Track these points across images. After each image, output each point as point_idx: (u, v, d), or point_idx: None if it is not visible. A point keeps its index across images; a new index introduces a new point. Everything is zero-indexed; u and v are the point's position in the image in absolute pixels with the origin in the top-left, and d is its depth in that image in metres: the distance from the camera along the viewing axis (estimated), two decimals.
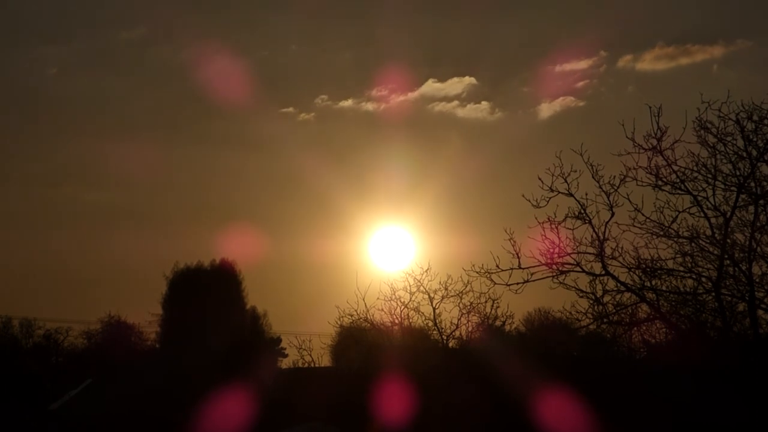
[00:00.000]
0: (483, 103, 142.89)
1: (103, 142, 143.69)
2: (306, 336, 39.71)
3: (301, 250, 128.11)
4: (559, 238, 28.39)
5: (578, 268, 28.52)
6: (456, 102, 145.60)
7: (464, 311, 36.60)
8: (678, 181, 27.89)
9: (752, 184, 27.62)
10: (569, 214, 28.42)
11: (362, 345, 39.03)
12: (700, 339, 28.28)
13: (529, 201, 28.56)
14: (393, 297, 37.04)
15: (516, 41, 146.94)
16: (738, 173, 27.61)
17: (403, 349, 37.42)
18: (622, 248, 28.34)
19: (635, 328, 29.43)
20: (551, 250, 28.44)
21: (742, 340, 28.19)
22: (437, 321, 36.81)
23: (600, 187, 28.19)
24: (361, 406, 36.69)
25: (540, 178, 28.51)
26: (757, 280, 27.60)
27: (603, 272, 28.38)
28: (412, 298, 36.97)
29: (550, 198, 28.54)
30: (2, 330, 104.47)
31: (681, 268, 28.31)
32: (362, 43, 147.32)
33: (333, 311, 37.73)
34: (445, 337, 36.99)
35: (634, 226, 28.17)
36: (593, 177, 28.17)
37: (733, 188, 27.70)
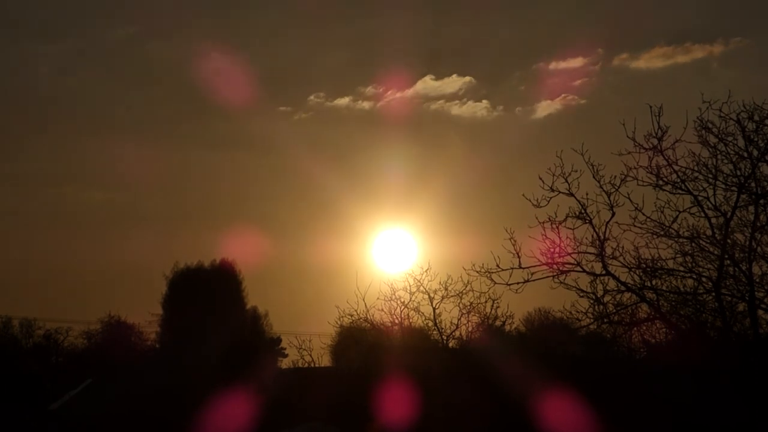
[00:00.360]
0: (481, 101, 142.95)
1: (103, 142, 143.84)
2: (306, 336, 39.74)
3: (302, 251, 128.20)
4: (559, 238, 28.38)
5: (578, 268, 28.51)
6: (454, 100, 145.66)
7: (464, 311, 36.61)
8: (679, 180, 27.89)
9: (753, 184, 27.62)
10: (570, 214, 28.43)
11: (362, 345, 39.04)
12: (700, 339, 28.27)
13: (530, 201, 28.58)
14: (393, 297, 37.07)
15: (514, 40, 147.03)
16: (739, 173, 27.60)
17: (403, 349, 37.42)
18: (622, 248, 28.35)
19: (635, 328, 29.41)
20: (552, 250, 28.43)
21: (742, 340, 28.19)
22: (437, 321, 36.82)
23: (600, 187, 28.20)
24: (361, 406, 36.69)
25: (540, 178, 28.53)
26: (758, 280, 27.59)
27: (603, 272, 28.37)
28: (412, 298, 37.00)
29: (550, 198, 28.56)
30: (2, 330, 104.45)
31: (681, 268, 28.30)
32: (359, 41, 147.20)
33: (333, 311, 37.76)
34: (445, 337, 36.99)
35: (635, 225, 28.18)
36: (594, 177, 28.19)
37: (733, 188, 27.70)
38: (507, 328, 37.85)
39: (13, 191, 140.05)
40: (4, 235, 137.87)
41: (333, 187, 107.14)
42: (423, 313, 37.04)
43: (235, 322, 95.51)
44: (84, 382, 71.45)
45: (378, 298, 36.93)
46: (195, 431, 51.82)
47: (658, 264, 28.33)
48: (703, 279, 28.11)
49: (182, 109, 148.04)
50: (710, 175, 27.74)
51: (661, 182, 27.97)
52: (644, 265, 28.33)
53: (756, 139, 27.55)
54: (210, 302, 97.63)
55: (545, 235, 28.46)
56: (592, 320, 28.75)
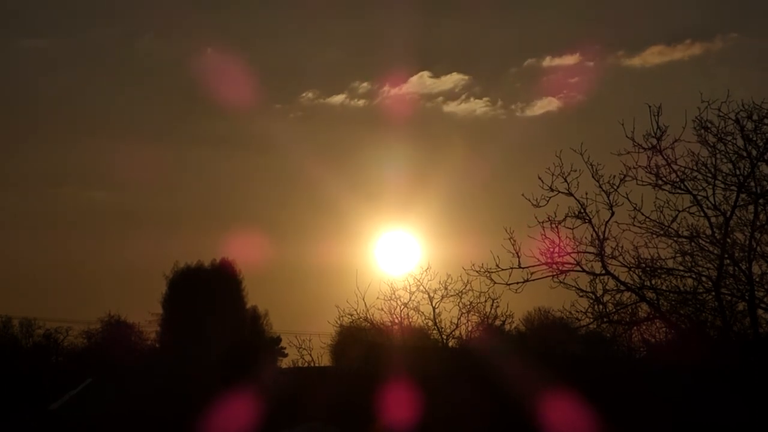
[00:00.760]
0: (479, 99, 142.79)
1: (102, 142, 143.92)
2: (306, 335, 39.72)
3: (302, 252, 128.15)
4: (559, 238, 28.37)
5: (578, 268, 28.50)
6: (451, 98, 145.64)
7: (464, 311, 36.60)
8: (678, 180, 27.88)
9: (752, 184, 27.62)
10: (569, 214, 28.41)
11: (362, 345, 39.03)
12: (700, 338, 28.28)
13: (529, 200, 28.56)
14: (393, 296, 37.06)
15: (511, 37, 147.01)
16: (738, 173, 27.60)
17: (402, 348, 37.41)
18: (622, 247, 28.35)
19: (635, 328, 29.42)
20: (551, 250, 28.42)
21: (742, 340, 28.19)
22: (437, 320, 36.81)
23: (600, 187, 28.19)
24: (361, 406, 36.68)
25: (540, 178, 28.51)
26: (757, 280, 27.59)
27: (603, 272, 28.36)
28: (412, 298, 36.98)
29: (550, 197, 28.54)
30: (2, 330, 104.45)
31: (681, 268, 28.29)
32: (356, 39, 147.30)
33: (333, 311, 37.74)
34: (444, 337, 36.98)
35: (634, 225, 28.17)
36: (593, 176, 28.17)
37: (733, 188, 27.70)
38: (507, 327, 37.86)
39: (12, 191, 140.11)
40: (4, 235, 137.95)
41: (332, 187, 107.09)
42: (423, 313, 37.04)
43: (235, 322, 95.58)
44: (84, 382, 71.46)
45: (378, 298, 36.94)
46: (195, 431, 51.83)
47: (658, 263, 28.33)
48: (703, 278, 28.11)
49: (181, 108, 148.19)
50: (709, 175, 27.74)
51: (660, 182, 27.98)
52: (644, 265, 28.33)
53: (755, 139, 27.55)
54: (210, 302, 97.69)
55: (545, 235, 28.47)
56: (591, 320, 28.74)
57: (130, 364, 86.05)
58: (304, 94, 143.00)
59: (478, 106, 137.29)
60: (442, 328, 36.87)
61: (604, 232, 28.28)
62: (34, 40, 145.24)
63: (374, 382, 36.09)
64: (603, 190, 28.14)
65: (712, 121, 27.61)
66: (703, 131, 27.71)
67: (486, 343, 36.41)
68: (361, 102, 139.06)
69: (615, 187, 27.99)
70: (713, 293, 27.91)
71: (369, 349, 38.47)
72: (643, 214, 28.09)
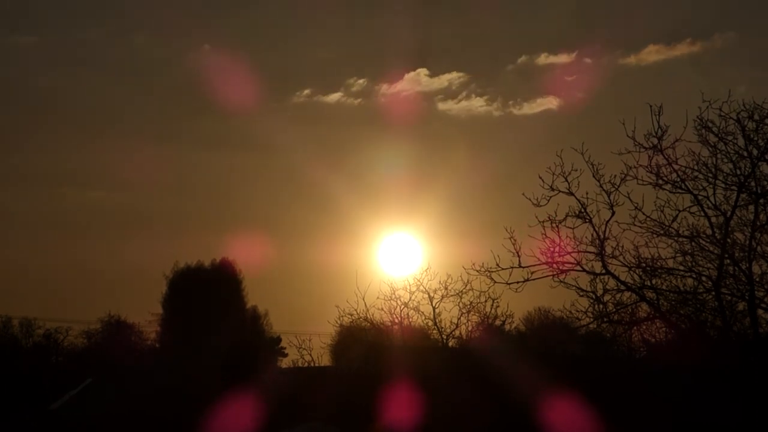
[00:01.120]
0: (477, 98, 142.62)
1: (103, 142, 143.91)
2: (306, 335, 39.70)
3: (303, 252, 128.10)
4: (559, 237, 28.35)
5: (578, 267, 28.48)
6: (450, 97, 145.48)
7: (464, 310, 36.59)
8: (678, 180, 27.87)
9: (753, 184, 27.61)
10: (570, 213, 28.40)
11: (362, 345, 39.01)
12: (700, 338, 28.26)
13: (530, 200, 28.54)
14: (393, 296, 37.04)
15: (508, 36, 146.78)
16: (739, 172, 27.60)
17: (402, 348, 37.39)
18: (622, 247, 28.34)
19: (635, 328, 29.41)
20: (551, 249, 28.41)
21: (742, 340, 28.17)
22: (437, 320, 36.80)
23: (600, 186, 28.17)
24: (361, 405, 36.67)
25: (540, 177, 28.50)
26: (757, 280, 27.58)
27: (603, 271, 28.34)
28: (412, 298, 36.97)
29: (550, 197, 28.52)
30: (2, 330, 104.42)
31: (681, 267, 28.29)
32: (352, 37, 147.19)
33: (333, 312, 37.73)
34: (445, 337, 36.97)
35: (635, 225, 28.16)
36: (594, 176, 28.16)
37: (733, 187, 27.69)
38: (507, 327, 37.85)
39: (12, 191, 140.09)
40: (4, 235, 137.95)
41: (331, 186, 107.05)
42: (423, 313, 37.04)
43: (235, 322, 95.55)
44: (84, 382, 71.44)
45: (378, 298, 36.93)
46: (195, 431, 51.80)
47: (658, 263, 28.32)
48: (703, 278, 28.10)
49: (180, 108, 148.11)
50: (710, 175, 27.73)
51: (660, 181, 27.97)
52: (644, 265, 28.32)
53: (756, 138, 27.55)
54: (210, 302, 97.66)
55: (545, 235, 28.45)
56: (591, 319, 28.73)
57: (130, 364, 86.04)
58: (300, 93, 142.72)
59: (476, 105, 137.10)
60: (442, 328, 36.87)
61: (605, 231, 28.28)
62: (29, 38, 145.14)
63: (374, 382, 36.08)
64: (603, 190, 28.14)
65: (713, 120, 27.65)
66: (704, 131, 27.73)
67: (486, 343, 36.40)
68: (358, 100, 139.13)
69: (616, 187, 28.00)
70: (713, 293, 27.90)
71: (369, 349, 38.46)
72: (643, 214, 28.11)
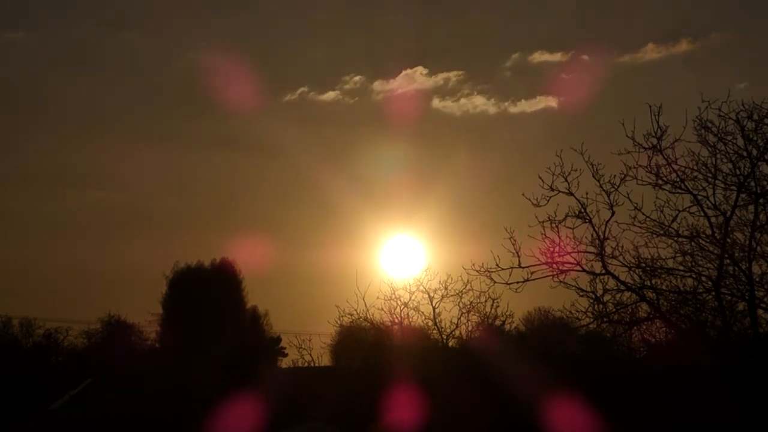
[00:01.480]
0: (475, 97, 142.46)
1: (103, 143, 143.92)
2: (306, 336, 39.69)
3: (302, 253, 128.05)
4: (559, 237, 28.35)
5: (578, 267, 28.48)
6: (448, 96, 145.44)
7: (464, 310, 36.60)
8: (678, 180, 27.87)
9: (752, 184, 27.61)
10: (569, 213, 28.39)
11: (362, 345, 39.01)
12: (700, 338, 28.26)
13: (530, 200, 28.53)
14: (393, 296, 37.05)
15: (508, 34, 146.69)
16: (738, 172, 27.60)
17: (402, 348, 37.39)
18: (622, 247, 28.34)
19: (635, 328, 29.40)
20: (551, 249, 28.40)
21: (742, 340, 28.17)
22: (437, 320, 36.81)
23: (600, 186, 28.17)
24: (361, 405, 36.68)
25: (540, 177, 28.50)
26: (757, 280, 27.58)
27: (603, 271, 28.34)
28: (412, 298, 36.98)
29: (550, 197, 28.52)
30: (2, 330, 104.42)
31: (681, 268, 28.29)
32: (349, 36, 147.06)
33: (333, 312, 37.72)
34: (444, 337, 36.98)
35: (635, 225, 28.17)
36: (593, 176, 28.16)
37: (733, 187, 27.69)
38: (507, 327, 37.86)
39: (12, 191, 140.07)
40: (4, 235, 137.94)
41: (330, 185, 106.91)
42: (423, 313, 37.05)
43: (235, 322, 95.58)
44: (84, 382, 71.45)
45: (378, 298, 36.93)
46: (195, 431, 51.81)
47: (658, 263, 28.32)
48: (703, 278, 28.10)
49: (181, 108, 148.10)
50: (710, 175, 27.73)
51: (660, 181, 27.97)
52: (644, 265, 28.32)
53: (755, 138, 27.55)
54: (210, 302, 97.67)
55: (545, 235, 28.44)
56: (591, 319, 28.72)
57: (130, 364, 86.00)
58: (299, 91, 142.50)
59: (475, 103, 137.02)
60: (442, 328, 36.88)
61: (605, 231, 28.28)
62: (26, 36, 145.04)
63: (374, 382, 36.09)
64: (603, 190, 28.14)
65: (713, 120, 27.65)
66: (703, 131, 27.73)
67: (486, 343, 36.41)
68: (356, 99, 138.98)
69: (615, 187, 28.00)
70: (713, 293, 27.90)
71: (369, 349, 38.46)
72: (643, 214, 28.11)
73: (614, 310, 28.52)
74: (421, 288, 36.75)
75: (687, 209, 27.94)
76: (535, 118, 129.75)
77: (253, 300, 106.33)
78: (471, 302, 36.32)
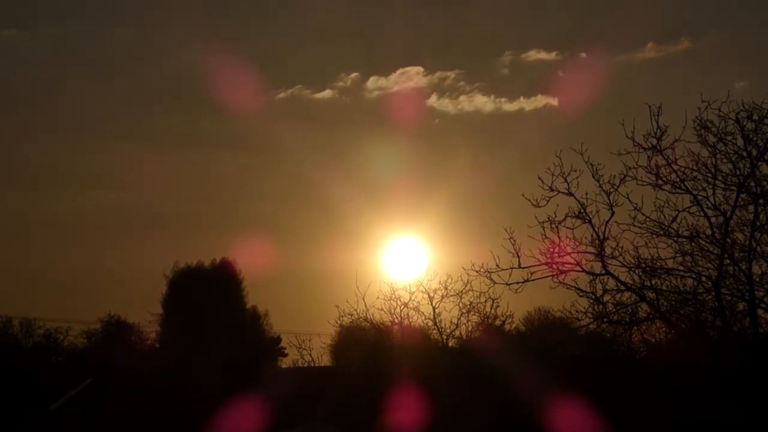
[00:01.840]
0: (472, 96, 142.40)
1: (103, 142, 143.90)
2: (306, 336, 39.70)
3: (302, 254, 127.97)
4: (559, 238, 28.35)
5: (578, 268, 28.47)
6: (445, 94, 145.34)
7: (464, 311, 36.63)
8: (678, 180, 27.87)
9: (752, 184, 27.62)
10: (569, 214, 28.39)
11: (362, 345, 39.03)
12: (700, 338, 28.26)
13: (529, 200, 28.53)
14: (393, 296, 37.07)
15: (506, 33, 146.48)
16: (738, 173, 27.60)
17: (402, 348, 37.41)
18: (622, 247, 28.34)
19: (635, 328, 29.40)
20: (551, 250, 28.40)
21: (742, 340, 28.18)
22: (437, 320, 36.83)
23: (600, 187, 28.17)
24: (361, 406, 36.70)
25: (540, 178, 28.49)
26: (757, 280, 27.59)
27: (603, 271, 28.34)
28: (412, 298, 36.99)
29: (550, 197, 28.51)
30: (2, 330, 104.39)
31: (681, 268, 28.29)
32: (346, 34, 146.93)
33: (334, 312, 37.73)
34: (444, 337, 37.01)
35: (634, 225, 28.17)
36: (593, 176, 28.16)
37: (733, 188, 27.69)
38: (507, 327, 37.89)
39: (12, 191, 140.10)
40: (5, 236, 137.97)
41: (333, 188, 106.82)
42: (423, 313, 37.07)
43: (235, 322, 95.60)
44: (84, 382, 71.45)
45: (378, 298, 36.95)
46: (195, 431, 51.82)
47: (658, 263, 28.33)
48: (703, 278, 28.11)
49: (181, 108, 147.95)
50: (709, 175, 27.73)
51: (660, 182, 27.97)
52: (644, 265, 28.32)
53: (755, 139, 27.56)
54: (210, 302, 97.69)
55: (545, 235, 28.44)
56: (591, 320, 28.73)
57: (130, 364, 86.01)
58: (294, 90, 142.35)
59: (473, 102, 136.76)
60: (442, 328, 36.92)
61: (604, 232, 28.28)
62: (23, 33, 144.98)
63: (374, 382, 36.12)
64: (603, 190, 28.15)
65: (713, 121, 27.65)
66: (703, 131, 27.73)
67: (486, 343, 36.42)
68: (352, 98, 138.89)
69: (615, 187, 28.00)
70: (713, 293, 27.91)
71: (369, 349, 38.48)
72: (643, 214, 28.11)
73: (614, 310, 28.53)
74: (421, 288, 36.79)
75: (687, 209, 27.95)
76: (534, 118, 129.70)
77: (253, 300, 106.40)
78: (471, 302, 36.37)
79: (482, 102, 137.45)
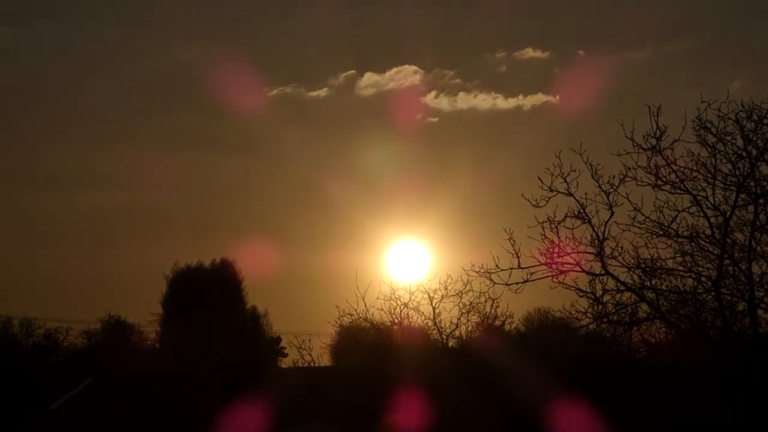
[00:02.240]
0: (470, 94, 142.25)
1: (103, 144, 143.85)
2: (306, 335, 39.74)
3: (302, 254, 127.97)
4: (558, 238, 28.35)
5: (578, 268, 28.46)
6: (443, 93, 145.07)
7: (464, 311, 36.67)
8: (677, 180, 27.87)
9: (752, 184, 27.62)
10: (569, 214, 28.39)
11: (362, 345, 39.06)
12: (700, 338, 28.27)
13: (529, 201, 28.53)
14: (393, 296, 37.09)
15: (503, 32, 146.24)
16: (738, 173, 27.61)
17: (402, 348, 37.43)
18: (621, 248, 28.34)
19: (635, 328, 29.40)
20: (551, 250, 28.40)
21: (742, 340, 28.18)
22: (437, 320, 36.86)
23: (599, 187, 28.18)
24: (360, 405, 36.72)
25: (539, 178, 28.50)
26: (757, 280, 27.59)
27: (603, 272, 28.34)
28: (412, 298, 37.02)
29: (549, 198, 28.51)
30: (2, 330, 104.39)
31: (681, 268, 28.29)
32: (343, 32, 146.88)
33: (333, 312, 37.76)
34: (444, 337, 37.04)
35: (634, 225, 28.17)
36: (592, 177, 28.16)
37: (732, 188, 27.69)
38: (507, 327, 37.92)
39: (12, 191, 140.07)
40: (5, 236, 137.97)
41: (333, 188, 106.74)
42: (423, 313, 37.10)
43: (235, 322, 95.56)
44: (84, 382, 71.52)
45: (378, 298, 36.98)
46: (196, 431, 51.85)
47: (658, 263, 28.32)
48: (703, 278, 28.11)
49: (181, 108, 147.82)
50: (709, 175, 27.74)
51: (660, 182, 27.97)
52: (643, 265, 28.32)
53: (755, 139, 27.56)
54: (210, 302, 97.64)
55: (544, 235, 28.44)
56: (591, 320, 28.72)
57: (130, 364, 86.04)
58: (288, 88, 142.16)
59: (472, 101, 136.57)
60: (442, 328, 36.96)
61: (604, 232, 28.28)
62: (21, 30, 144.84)
63: (374, 382, 36.14)
64: (603, 191, 28.15)
65: (712, 121, 27.66)
66: (702, 131, 27.74)
67: (486, 343, 36.45)
68: (350, 97, 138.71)
69: (615, 188, 28.01)
70: (713, 293, 27.91)
71: (369, 349, 38.50)
72: (642, 215, 28.11)
73: (614, 310, 28.52)
74: (421, 288, 36.83)
75: (687, 209, 27.95)
76: (534, 117, 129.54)
77: (253, 300, 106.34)
78: (471, 302, 36.41)
79: (481, 100, 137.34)
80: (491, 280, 29.33)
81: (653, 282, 28.40)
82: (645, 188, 28.04)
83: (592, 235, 28.35)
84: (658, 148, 27.86)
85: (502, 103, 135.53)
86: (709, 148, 27.77)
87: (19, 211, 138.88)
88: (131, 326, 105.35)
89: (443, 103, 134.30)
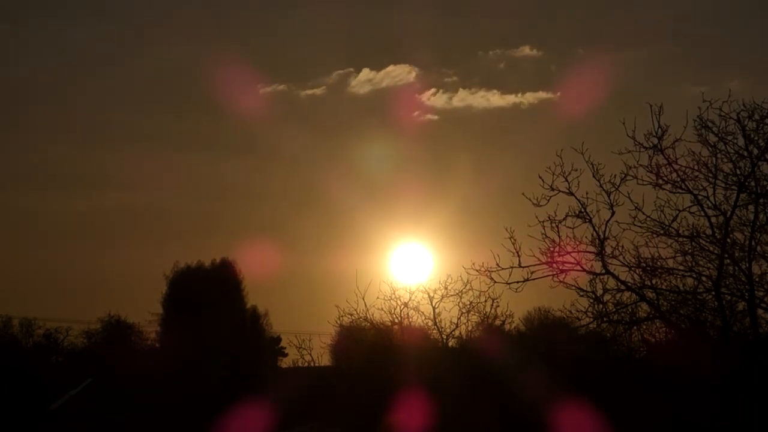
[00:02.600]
0: (468, 93, 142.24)
1: (103, 144, 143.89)
2: (306, 335, 39.71)
3: (302, 255, 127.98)
4: (559, 237, 28.34)
5: (578, 267, 28.43)
6: (441, 92, 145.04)
7: (464, 310, 36.63)
8: (678, 179, 27.86)
9: (753, 183, 27.61)
10: (570, 213, 28.37)
11: (362, 345, 39.03)
12: (700, 338, 28.26)
13: (530, 199, 28.52)
14: (393, 296, 37.07)
15: (502, 31, 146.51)
16: (739, 172, 27.59)
17: (402, 348, 37.41)
18: (622, 247, 28.32)
19: (635, 327, 29.38)
20: (551, 249, 28.39)
21: (742, 340, 28.17)
22: (437, 320, 36.83)
23: (600, 186, 28.16)
24: (360, 405, 36.70)
25: (540, 177, 28.49)
26: (757, 279, 27.57)
27: (603, 271, 28.32)
28: (412, 298, 36.99)
29: (550, 197, 28.50)
30: (2, 330, 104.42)
31: (681, 267, 28.28)
32: (341, 31, 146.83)
33: (333, 312, 37.74)
34: (444, 337, 37.01)
35: (635, 224, 28.15)
36: (594, 176, 28.15)
37: (733, 187, 27.68)
38: (507, 327, 37.89)
39: (12, 192, 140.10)
40: (5, 236, 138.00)
41: (333, 189, 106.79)
42: (423, 313, 37.07)
43: (235, 322, 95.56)
44: (84, 382, 71.53)
45: (378, 298, 36.95)
46: (195, 430, 51.85)
47: (658, 263, 28.31)
48: (703, 278, 28.09)
49: (181, 108, 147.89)
50: (710, 174, 27.72)
51: (660, 181, 27.96)
52: (644, 264, 28.31)
53: (756, 138, 27.54)
54: (210, 302, 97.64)
55: (545, 234, 28.43)
56: (591, 319, 28.70)
57: (130, 364, 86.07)
58: (284, 87, 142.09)
59: (471, 101, 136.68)
60: (442, 328, 36.92)
61: (605, 231, 28.26)
62: (20, 29, 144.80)
63: (374, 382, 36.11)
64: (603, 190, 28.12)
65: (713, 120, 27.65)
66: (704, 131, 27.73)
67: (486, 343, 36.43)
68: (348, 96, 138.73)
69: (616, 187, 27.99)
70: (713, 293, 27.89)
71: (369, 349, 38.48)
72: (643, 214, 28.09)
73: (614, 309, 28.50)
74: (421, 288, 36.80)
75: (687, 209, 27.94)
76: (534, 116, 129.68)
77: (253, 300, 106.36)
78: (471, 302, 36.37)
79: (479, 97, 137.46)
80: (491, 278, 29.33)
81: (653, 281, 28.39)
82: (646, 187, 28.05)
83: (592, 235, 28.35)
84: (659, 147, 27.86)
85: (501, 100, 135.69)
86: (710, 148, 27.78)
87: (19, 211, 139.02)
88: (131, 326, 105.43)
89: (441, 100, 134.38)
